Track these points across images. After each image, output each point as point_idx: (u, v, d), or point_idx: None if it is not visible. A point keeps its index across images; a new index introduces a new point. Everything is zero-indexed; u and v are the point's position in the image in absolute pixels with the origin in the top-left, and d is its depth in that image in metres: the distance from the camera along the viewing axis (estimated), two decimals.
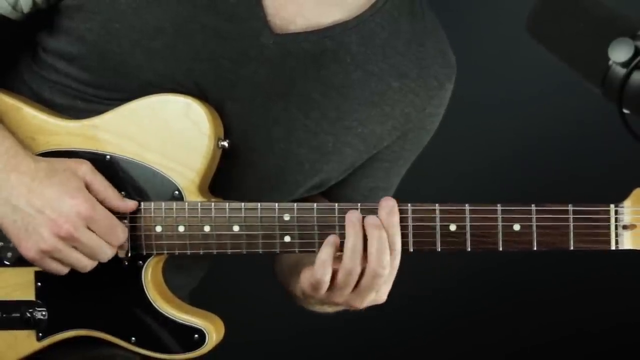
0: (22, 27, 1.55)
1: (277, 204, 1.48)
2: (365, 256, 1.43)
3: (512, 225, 1.45)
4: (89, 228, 1.43)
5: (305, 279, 1.45)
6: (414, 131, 1.62)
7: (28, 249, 1.43)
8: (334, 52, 1.53)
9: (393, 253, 1.43)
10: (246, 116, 1.53)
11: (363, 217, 1.44)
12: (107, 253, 1.45)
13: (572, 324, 2.44)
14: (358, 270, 1.42)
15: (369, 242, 1.42)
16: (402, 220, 1.45)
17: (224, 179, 1.53)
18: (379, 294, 1.46)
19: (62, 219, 1.41)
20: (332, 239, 1.44)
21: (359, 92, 1.55)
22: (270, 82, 1.52)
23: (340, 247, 1.44)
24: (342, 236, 1.45)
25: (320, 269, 1.42)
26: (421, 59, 1.59)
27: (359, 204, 1.46)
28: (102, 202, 1.45)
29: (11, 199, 1.42)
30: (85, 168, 1.46)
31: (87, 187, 1.45)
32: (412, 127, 1.61)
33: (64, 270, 1.46)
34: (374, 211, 1.45)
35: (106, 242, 1.44)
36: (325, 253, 1.43)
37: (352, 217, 1.44)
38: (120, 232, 1.46)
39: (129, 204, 1.48)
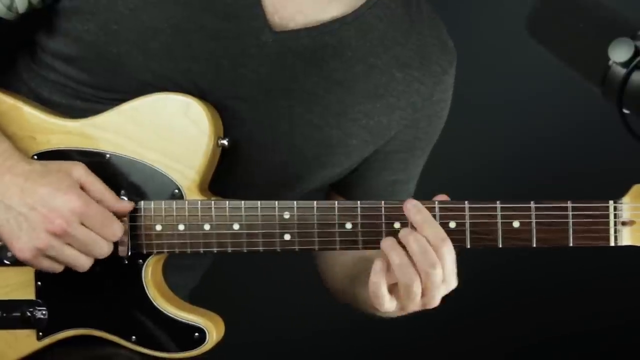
0: (21, 27, 1.55)
1: (277, 202, 1.47)
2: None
3: (511, 223, 1.45)
4: (83, 224, 1.42)
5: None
6: (424, 119, 1.62)
7: (22, 250, 1.42)
8: (334, 48, 1.53)
9: (440, 247, 1.40)
10: (249, 114, 1.53)
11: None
12: (103, 248, 1.44)
13: (572, 323, 2.44)
14: (416, 280, 1.40)
15: (408, 249, 1.40)
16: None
17: (229, 177, 1.53)
18: (447, 284, 1.43)
19: (55, 214, 1.41)
20: (378, 265, 1.40)
21: (362, 85, 1.56)
22: (272, 80, 1.52)
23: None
24: (341, 234, 1.46)
25: (375, 297, 1.41)
26: (421, 47, 1.59)
27: (359, 202, 1.46)
28: (98, 204, 1.45)
29: (4, 199, 1.42)
30: (80, 170, 1.45)
31: (83, 189, 1.44)
32: (421, 115, 1.61)
33: (58, 267, 1.45)
34: (377, 209, 1.45)
35: (102, 238, 1.44)
36: (376, 276, 1.40)
37: (387, 242, 1.42)
38: (116, 227, 1.45)
39: (126, 205, 1.47)
